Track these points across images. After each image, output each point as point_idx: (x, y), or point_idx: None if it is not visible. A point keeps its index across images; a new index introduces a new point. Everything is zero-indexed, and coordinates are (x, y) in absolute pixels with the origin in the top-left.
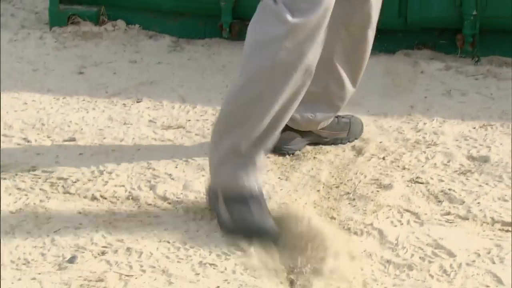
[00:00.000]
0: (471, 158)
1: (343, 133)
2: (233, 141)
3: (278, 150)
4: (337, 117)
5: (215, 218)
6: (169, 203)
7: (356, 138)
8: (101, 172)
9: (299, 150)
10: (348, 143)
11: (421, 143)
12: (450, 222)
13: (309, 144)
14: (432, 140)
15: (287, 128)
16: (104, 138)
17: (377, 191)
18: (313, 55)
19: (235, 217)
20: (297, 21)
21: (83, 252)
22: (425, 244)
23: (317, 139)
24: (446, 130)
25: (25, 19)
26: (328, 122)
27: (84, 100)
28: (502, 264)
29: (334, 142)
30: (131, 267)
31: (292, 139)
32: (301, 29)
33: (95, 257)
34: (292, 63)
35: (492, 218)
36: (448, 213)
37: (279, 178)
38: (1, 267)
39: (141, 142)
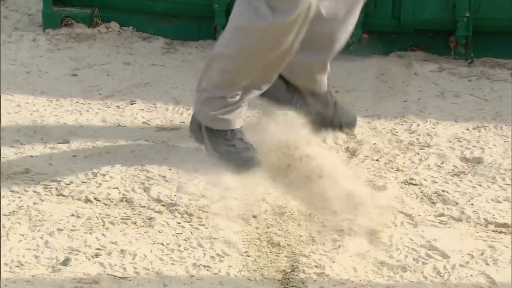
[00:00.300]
0: (464, 159)
1: (328, 109)
2: (215, 93)
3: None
4: (330, 95)
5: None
6: (163, 205)
7: (342, 125)
8: (95, 174)
9: (279, 102)
10: (333, 128)
11: (414, 144)
12: (444, 224)
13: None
14: (426, 142)
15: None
16: (98, 140)
17: (371, 192)
18: (294, 41)
19: (220, 151)
20: (276, 21)
21: (77, 255)
22: (418, 246)
23: (302, 104)
24: (439, 132)
25: (18, 21)
26: (316, 81)
27: (77, 102)
28: (495, 266)
29: (316, 120)
30: (125, 269)
31: (278, 85)
32: (280, 26)
33: (89, 259)
34: (271, 48)
35: (486, 220)
36: (442, 215)
37: (273, 179)
38: None
39: (135, 144)
